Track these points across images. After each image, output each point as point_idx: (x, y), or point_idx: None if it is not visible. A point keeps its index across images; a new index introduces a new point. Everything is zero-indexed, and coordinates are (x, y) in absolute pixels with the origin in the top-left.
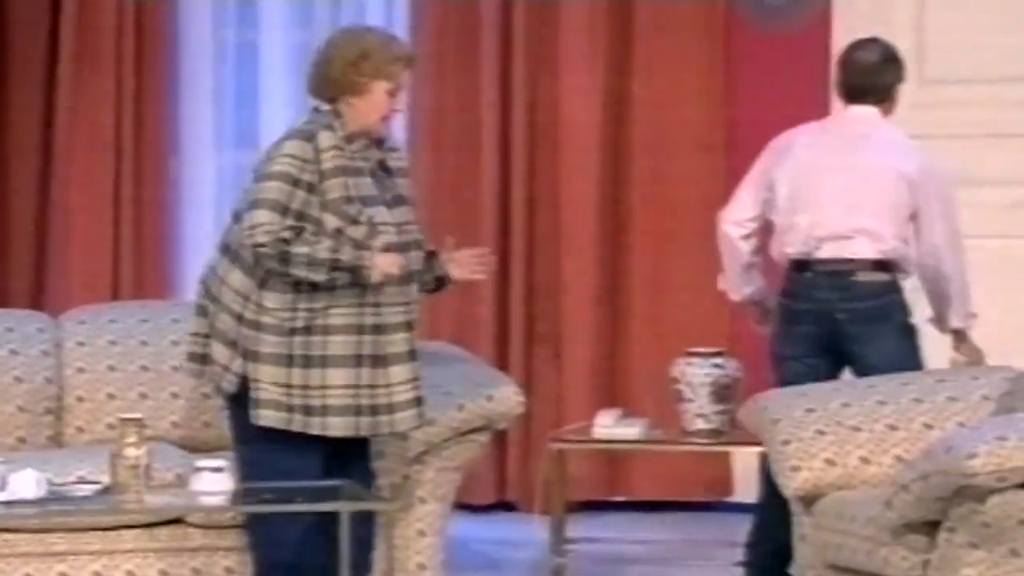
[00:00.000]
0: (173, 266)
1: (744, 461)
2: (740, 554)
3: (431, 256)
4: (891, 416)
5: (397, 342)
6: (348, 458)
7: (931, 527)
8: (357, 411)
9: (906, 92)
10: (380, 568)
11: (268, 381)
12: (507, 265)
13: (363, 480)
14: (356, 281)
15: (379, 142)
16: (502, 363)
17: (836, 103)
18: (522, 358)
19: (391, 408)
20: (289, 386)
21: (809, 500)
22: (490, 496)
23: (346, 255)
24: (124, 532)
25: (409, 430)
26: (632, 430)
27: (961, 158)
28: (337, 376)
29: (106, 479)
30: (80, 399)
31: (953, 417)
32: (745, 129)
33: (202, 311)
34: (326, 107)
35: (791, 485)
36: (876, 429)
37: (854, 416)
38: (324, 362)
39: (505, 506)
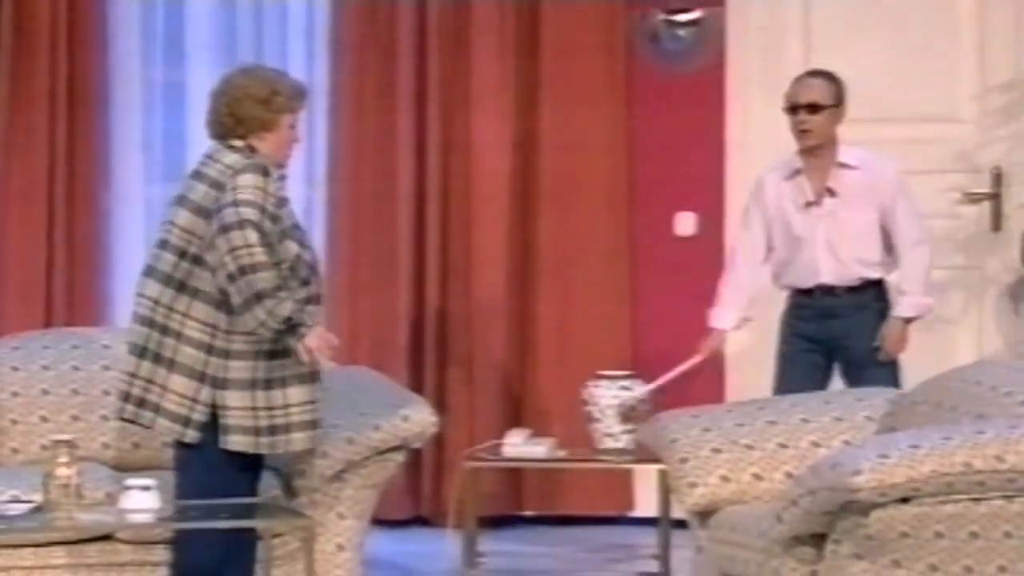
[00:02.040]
0: (104, 294)
1: (645, 478)
2: (642, 565)
3: None
4: (781, 435)
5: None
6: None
7: (818, 539)
8: (314, 425)
9: None
10: None
11: (236, 406)
12: (422, 293)
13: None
14: (283, 339)
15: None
16: (417, 386)
17: (735, 140)
18: (436, 381)
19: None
20: (255, 408)
21: (705, 514)
22: (406, 512)
23: (296, 315)
24: (56, 548)
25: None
26: (540, 449)
27: None
28: (297, 394)
29: (39, 498)
30: (14, 421)
31: (839, 436)
32: (646, 165)
33: (141, 352)
34: (238, 143)
35: (688, 500)
36: (768, 447)
37: (747, 435)
38: (284, 383)
39: (420, 521)
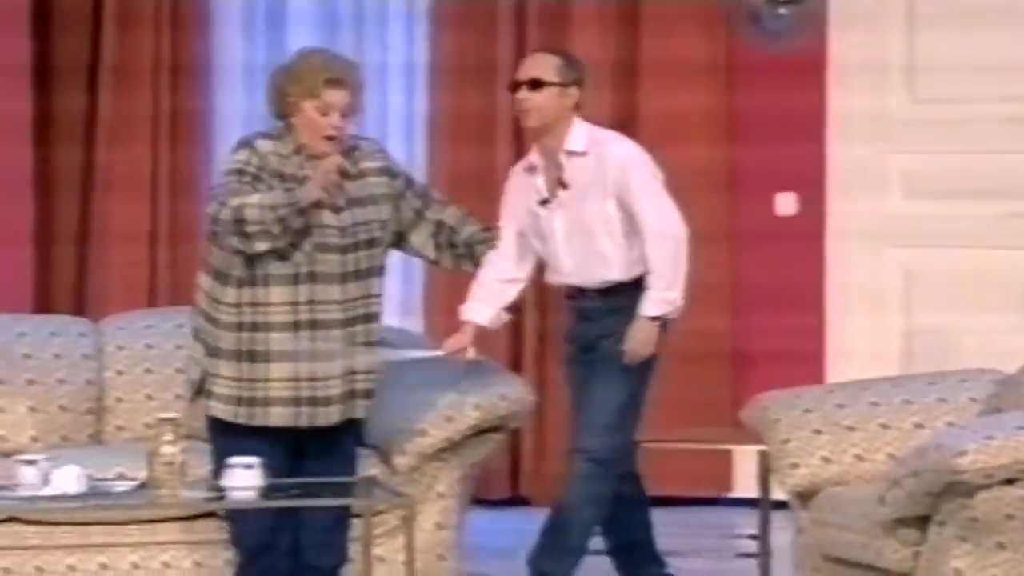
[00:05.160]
0: None
1: (744, 459)
2: (741, 546)
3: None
4: (883, 416)
5: (333, 338)
6: (322, 446)
7: (922, 521)
8: (297, 402)
9: (899, 109)
10: (401, 559)
11: (224, 375)
12: None
13: (341, 469)
14: (301, 221)
15: (348, 149)
16: (516, 365)
17: (836, 120)
18: (534, 360)
19: (328, 400)
20: (239, 380)
21: (807, 496)
22: (505, 491)
23: (282, 198)
24: (160, 525)
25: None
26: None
27: (950, 172)
28: (279, 370)
29: (143, 475)
30: (119, 400)
31: (942, 417)
32: (746, 144)
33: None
34: (279, 123)
35: (790, 481)
36: (870, 428)
37: (849, 416)
38: (268, 357)
39: (519, 500)
